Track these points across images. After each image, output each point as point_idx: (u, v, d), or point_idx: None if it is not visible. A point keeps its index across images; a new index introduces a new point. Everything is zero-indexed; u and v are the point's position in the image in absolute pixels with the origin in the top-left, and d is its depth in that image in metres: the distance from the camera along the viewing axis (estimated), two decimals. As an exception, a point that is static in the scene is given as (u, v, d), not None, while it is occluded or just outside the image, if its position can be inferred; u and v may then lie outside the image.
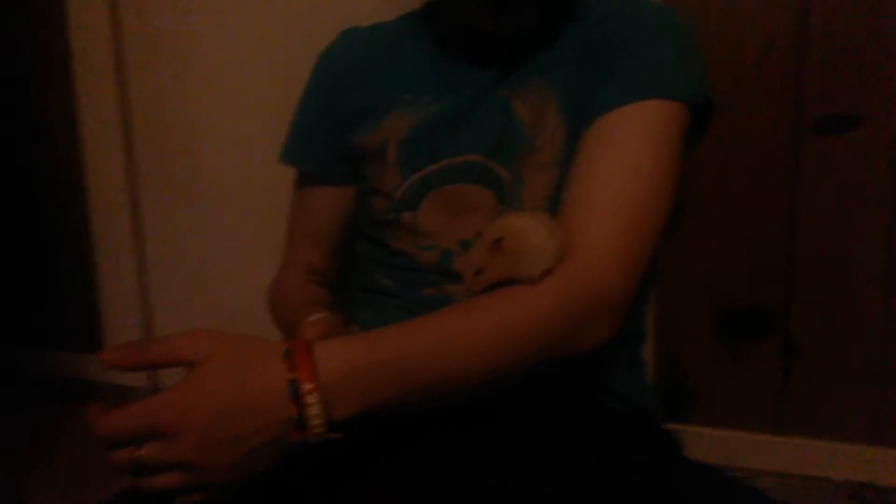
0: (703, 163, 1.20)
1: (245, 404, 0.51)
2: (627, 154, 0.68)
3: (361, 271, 0.89)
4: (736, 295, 1.23)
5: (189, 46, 1.51)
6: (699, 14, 1.14)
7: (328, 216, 0.94)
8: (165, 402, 0.50)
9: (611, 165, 0.68)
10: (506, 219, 0.63)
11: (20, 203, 1.76)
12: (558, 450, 0.66)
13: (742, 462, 1.24)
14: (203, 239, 1.60)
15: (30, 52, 1.66)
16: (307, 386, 0.51)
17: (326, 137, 0.89)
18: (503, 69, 0.78)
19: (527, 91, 0.77)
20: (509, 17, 0.74)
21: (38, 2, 1.61)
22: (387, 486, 0.63)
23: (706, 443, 1.27)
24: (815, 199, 1.17)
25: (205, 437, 0.50)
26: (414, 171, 0.80)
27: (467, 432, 0.66)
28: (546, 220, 0.63)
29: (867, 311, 1.17)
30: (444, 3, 0.81)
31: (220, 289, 1.61)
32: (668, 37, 0.74)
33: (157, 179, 1.62)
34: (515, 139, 0.76)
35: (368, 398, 0.54)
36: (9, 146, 1.74)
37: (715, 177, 1.21)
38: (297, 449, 0.53)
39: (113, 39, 1.55)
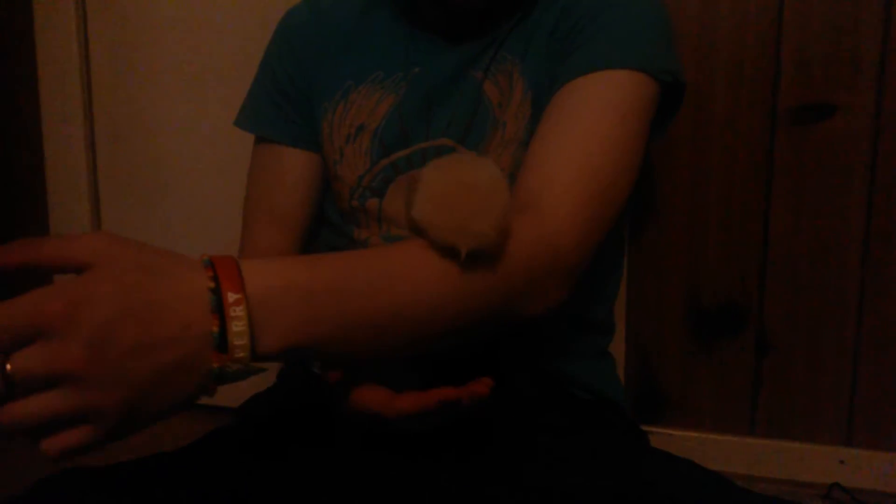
0: (676, 155, 1.19)
1: (156, 306, 0.41)
2: (589, 121, 0.66)
3: None
4: (710, 291, 1.21)
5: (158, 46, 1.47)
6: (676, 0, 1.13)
7: (297, 189, 0.83)
8: (53, 294, 0.39)
9: (571, 132, 0.66)
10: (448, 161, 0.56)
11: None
12: (528, 436, 0.62)
13: (713, 465, 1.21)
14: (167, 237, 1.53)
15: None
16: (233, 296, 0.43)
17: (290, 102, 0.83)
18: (476, 46, 0.76)
19: (498, 70, 0.75)
20: None
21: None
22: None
23: (677, 445, 1.24)
24: (790, 191, 1.15)
25: (102, 340, 0.39)
26: (383, 157, 0.77)
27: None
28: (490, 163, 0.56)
29: (842, 309, 1.16)
30: None
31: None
32: (641, 11, 0.72)
33: (119, 179, 1.54)
34: (485, 122, 0.74)
35: (305, 328, 0.46)
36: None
37: (689, 170, 1.19)
38: (211, 386, 0.44)
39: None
